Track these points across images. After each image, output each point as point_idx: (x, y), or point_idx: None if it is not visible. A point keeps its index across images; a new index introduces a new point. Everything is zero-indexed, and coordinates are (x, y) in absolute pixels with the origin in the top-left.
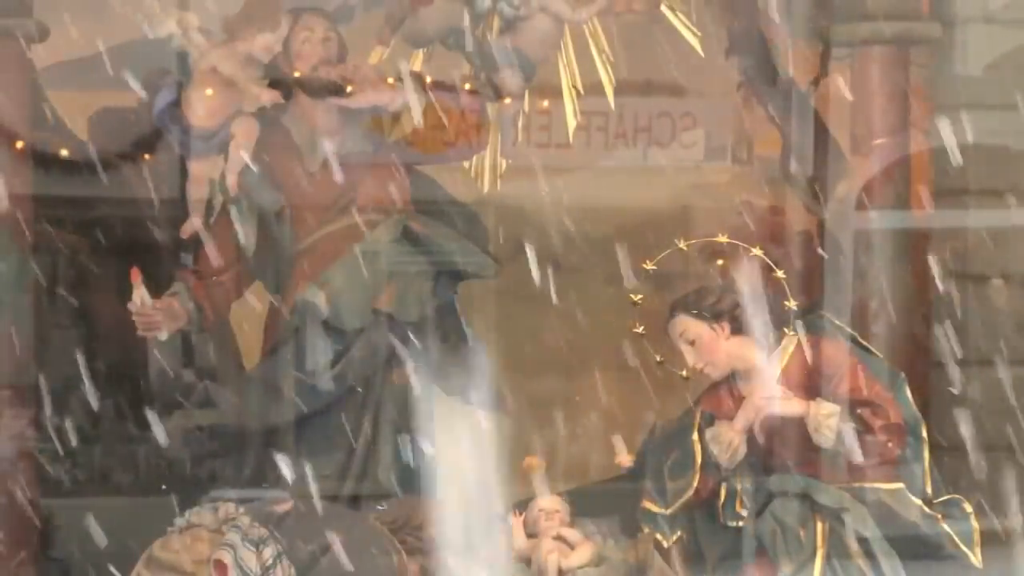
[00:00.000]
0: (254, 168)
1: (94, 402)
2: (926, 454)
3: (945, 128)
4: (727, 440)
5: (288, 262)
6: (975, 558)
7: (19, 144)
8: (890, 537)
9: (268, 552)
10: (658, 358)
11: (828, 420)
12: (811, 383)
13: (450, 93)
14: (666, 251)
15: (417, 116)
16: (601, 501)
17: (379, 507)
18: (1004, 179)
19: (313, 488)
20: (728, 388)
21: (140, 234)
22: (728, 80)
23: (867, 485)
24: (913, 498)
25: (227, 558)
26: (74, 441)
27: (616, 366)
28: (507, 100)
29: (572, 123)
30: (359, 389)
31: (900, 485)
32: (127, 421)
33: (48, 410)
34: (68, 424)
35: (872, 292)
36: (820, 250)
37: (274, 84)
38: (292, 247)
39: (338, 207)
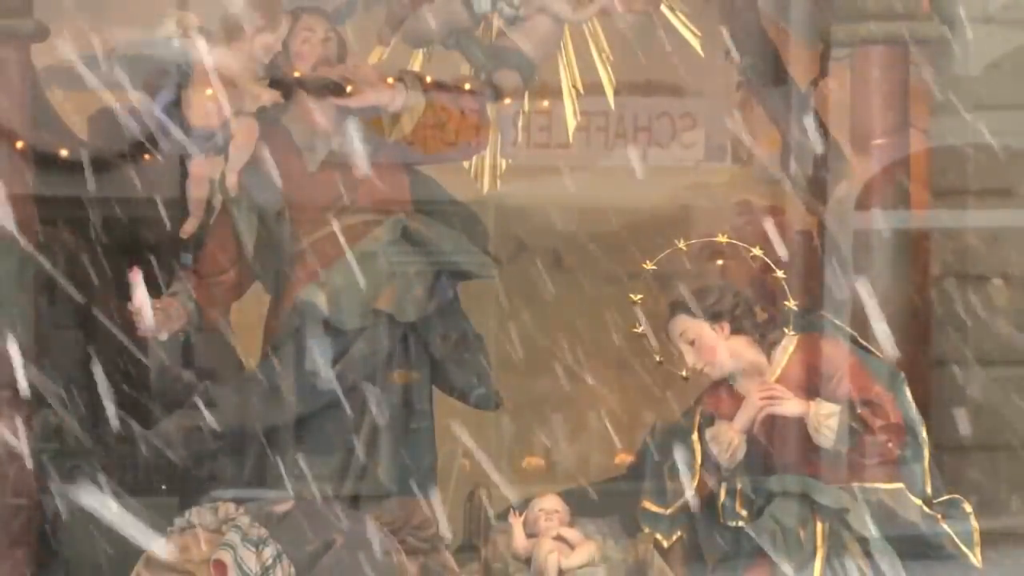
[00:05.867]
0: (254, 168)
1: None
2: (926, 454)
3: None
4: (727, 440)
5: (288, 262)
6: (975, 558)
7: (19, 144)
8: (890, 537)
9: (268, 552)
10: (658, 358)
11: (828, 420)
12: (811, 383)
13: (450, 93)
14: (666, 251)
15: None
16: (601, 501)
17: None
18: (1004, 179)
19: (313, 488)
20: (728, 388)
21: (140, 234)
22: (728, 80)
23: (867, 485)
24: (913, 498)
25: (227, 558)
26: (74, 441)
27: (616, 366)
28: (507, 100)
29: (572, 123)
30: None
31: (900, 485)
32: (127, 421)
33: (48, 410)
34: (68, 424)
35: (872, 292)
36: (820, 250)
37: (274, 84)
38: (292, 247)
39: (338, 207)
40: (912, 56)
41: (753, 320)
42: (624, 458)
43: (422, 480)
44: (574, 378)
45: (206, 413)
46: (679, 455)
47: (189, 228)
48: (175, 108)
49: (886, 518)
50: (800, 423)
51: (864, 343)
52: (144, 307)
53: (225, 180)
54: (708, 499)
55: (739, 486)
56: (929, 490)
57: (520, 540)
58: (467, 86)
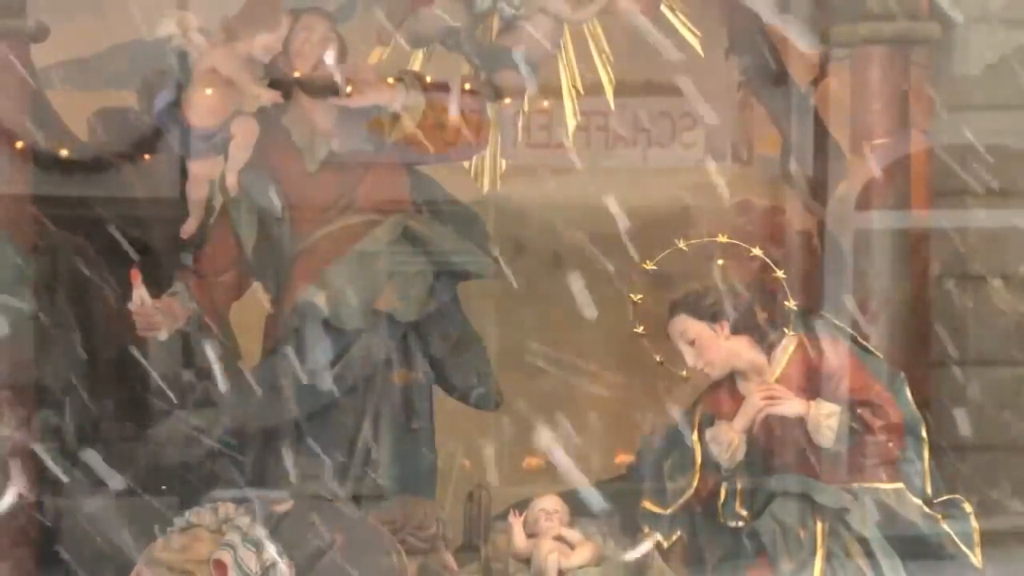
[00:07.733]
0: (254, 168)
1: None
2: (926, 454)
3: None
4: (727, 440)
5: (288, 262)
6: (975, 558)
7: (19, 144)
8: (890, 537)
9: (268, 552)
10: (658, 358)
11: (828, 420)
12: (811, 383)
13: (450, 93)
14: (666, 251)
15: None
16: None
17: None
18: (1004, 179)
19: (313, 488)
20: (728, 388)
21: (140, 234)
22: (728, 80)
23: (867, 485)
24: (913, 498)
25: (227, 558)
26: (74, 441)
27: (616, 366)
28: (507, 100)
29: (572, 123)
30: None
31: (900, 485)
32: (127, 421)
33: (48, 410)
34: (68, 424)
35: (872, 292)
36: (820, 250)
37: (274, 84)
38: (292, 247)
39: (338, 207)
40: (912, 56)
41: (753, 320)
42: (624, 458)
43: (422, 480)
44: (574, 378)
45: (205, 413)
46: (679, 455)
47: (189, 228)
48: (175, 108)
49: (886, 518)
50: (800, 423)
51: (864, 343)
52: (144, 307)
53: (225, 180)
54: (708, 499)
55: (739, 486)
56: (929, 490)
57: (520, 540)
58: (467, 86)
